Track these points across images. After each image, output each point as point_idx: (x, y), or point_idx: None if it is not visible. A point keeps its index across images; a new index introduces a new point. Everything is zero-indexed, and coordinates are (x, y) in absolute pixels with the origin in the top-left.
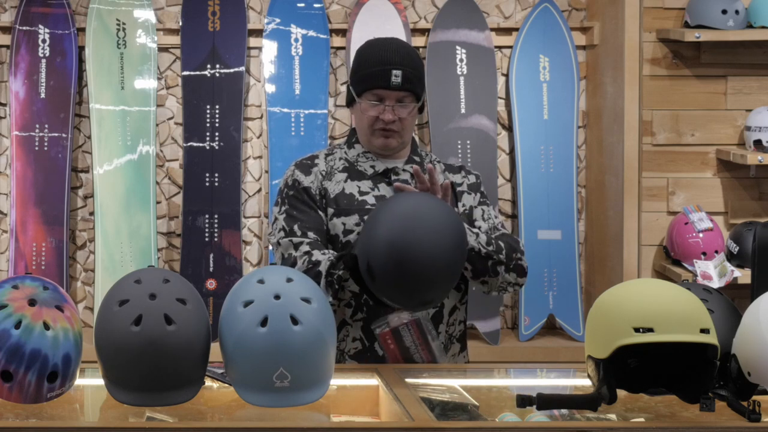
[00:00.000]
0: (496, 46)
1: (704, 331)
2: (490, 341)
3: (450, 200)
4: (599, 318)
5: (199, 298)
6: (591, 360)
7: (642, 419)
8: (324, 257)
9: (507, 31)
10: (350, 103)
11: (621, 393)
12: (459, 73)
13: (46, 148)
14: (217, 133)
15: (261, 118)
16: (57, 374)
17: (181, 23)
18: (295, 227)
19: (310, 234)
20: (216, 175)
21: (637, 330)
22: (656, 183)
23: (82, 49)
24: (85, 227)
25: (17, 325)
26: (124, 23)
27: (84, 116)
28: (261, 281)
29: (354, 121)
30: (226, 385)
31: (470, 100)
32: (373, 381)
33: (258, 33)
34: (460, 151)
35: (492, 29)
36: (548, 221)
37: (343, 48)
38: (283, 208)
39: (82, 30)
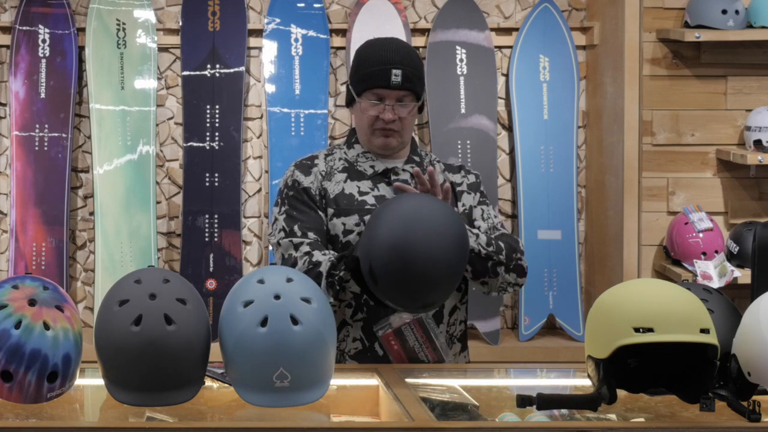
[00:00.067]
0: (496, 46)
1: (704, 331)
2: (490, 341)
3: (450, 202)
4: (599, 318)
5: (199, 298)
6: (591, 360)
7: (642, 419)
8: (324, 258)
9: (507, 31)
10: (350, 103)
11: (621, 393)
12: (459, 73)
13: (46, 148)
14: (217, 133)
15: (261, 118)
16: (57, 374)
17: (181, 23)
18: (295, 228)
19: (310, 234)
20: (216, 175)
21: (637, 330)
22: (656, 183)
23: (82, 49)
24: (85, 227)
25: (17, 325)
26: (124, 23)
27: (84, 116)
28: (261, 281)
29: (354, 121)
30: (226, 385)
31: (470, 100)
32: (373, 381)
33: (258, 33)
34: (460, 151)
35: (492, 29)
36: (548, 221)
37: (343, 48)
38: (283, 209)
39: (82, 30)
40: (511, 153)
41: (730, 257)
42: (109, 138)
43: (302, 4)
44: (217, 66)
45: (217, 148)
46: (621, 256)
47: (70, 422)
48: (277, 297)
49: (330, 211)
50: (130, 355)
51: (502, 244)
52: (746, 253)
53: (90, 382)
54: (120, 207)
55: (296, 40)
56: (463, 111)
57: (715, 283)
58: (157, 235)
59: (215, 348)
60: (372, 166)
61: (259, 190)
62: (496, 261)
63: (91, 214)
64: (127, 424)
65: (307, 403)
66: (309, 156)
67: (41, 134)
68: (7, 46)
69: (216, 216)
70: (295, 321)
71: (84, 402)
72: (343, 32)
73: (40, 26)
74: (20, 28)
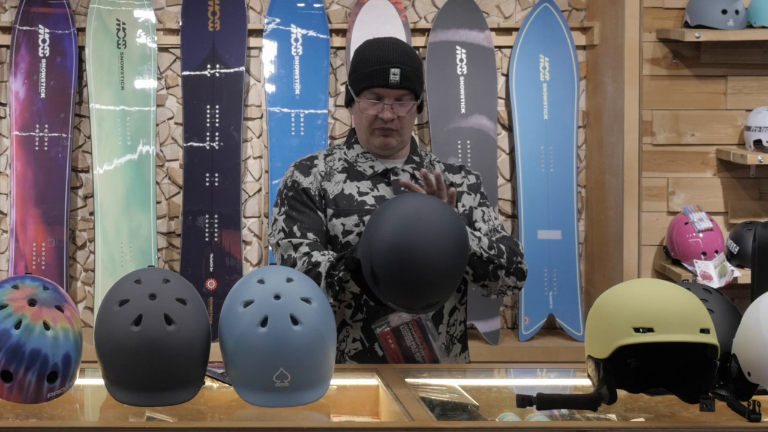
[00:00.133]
0: (496, 46)
1: (704, 331)
2: (490, 341)
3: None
4: (599, 318)
5: (199, 298)
6: (591, 360)
7: (642, 419)
8: (324, 258)
9: (507, 31)
10: (349, 102)
11: (621, 393)
12: (459, 73)
13: (46, 148)
14: (217, 133)
15: (261, 118)
16: (57, 374)
17: (181, 23)
18: (295, 228)
19: (310, 235)
20: (216, 175)
21: (637, 330)
22: (656, 183)
23: (82, 49)
24: (85, 227)
25: (17, 325)
26: (124, 23)
27: (84, 116)
28: (261, 281)
29: (353, 121)
30: (226, 385)
31: (470, 100)
32: (373, 381)
33: (258, 33)
34: (460, 151)
35: (492, 29)
36: (548, 221)
37: (343, 48)
38: (283, 209)
39: (82, 30)
40: (511, 153)
41: (730, 257)
42: (109, 138)
43: (302, 4)
44: (217, 66)
45: (217, 148)
46: (621, 256)
47: (70, 422)
48: (277, 297)
49: (329, 211)
50: (130, 355)
51: (503, 248)
52: (746, 253)
53: (90, 382)
54: (120, 207)
55: (296, 40)
56: (463, 111)
57: (715, 283)
58: (157, 235)
59: (215, 348)
60: (372, 167)
61: (259, 190)
62: (497, 264)
63: (91, 214)
64: (127, 424)
65: (307, 403)
66: (308, 156)
67: (41, 134)
68: (7, 46)
69: (216, 216)
70: (295, 321)
71: (84, 402)
72: (343, 32)
73: (40, 26)
74: (20, 28)
